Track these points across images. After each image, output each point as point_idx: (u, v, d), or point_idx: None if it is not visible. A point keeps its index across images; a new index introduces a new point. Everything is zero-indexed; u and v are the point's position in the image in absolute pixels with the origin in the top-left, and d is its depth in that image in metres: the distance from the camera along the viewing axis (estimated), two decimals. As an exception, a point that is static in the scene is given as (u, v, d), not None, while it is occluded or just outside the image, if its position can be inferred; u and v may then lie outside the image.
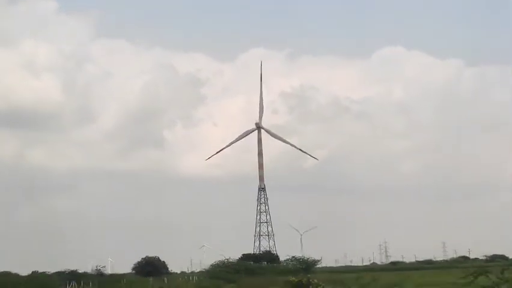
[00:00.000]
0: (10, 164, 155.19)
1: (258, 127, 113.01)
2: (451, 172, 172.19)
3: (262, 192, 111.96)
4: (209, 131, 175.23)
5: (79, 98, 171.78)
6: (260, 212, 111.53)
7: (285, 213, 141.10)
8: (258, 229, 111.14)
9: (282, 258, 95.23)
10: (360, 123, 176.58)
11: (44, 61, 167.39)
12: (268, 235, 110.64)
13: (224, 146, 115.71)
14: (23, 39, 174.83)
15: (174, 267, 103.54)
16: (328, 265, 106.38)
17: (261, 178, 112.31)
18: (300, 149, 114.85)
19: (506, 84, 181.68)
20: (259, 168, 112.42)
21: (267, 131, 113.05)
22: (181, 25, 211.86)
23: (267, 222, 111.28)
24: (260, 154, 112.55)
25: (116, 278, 67.54)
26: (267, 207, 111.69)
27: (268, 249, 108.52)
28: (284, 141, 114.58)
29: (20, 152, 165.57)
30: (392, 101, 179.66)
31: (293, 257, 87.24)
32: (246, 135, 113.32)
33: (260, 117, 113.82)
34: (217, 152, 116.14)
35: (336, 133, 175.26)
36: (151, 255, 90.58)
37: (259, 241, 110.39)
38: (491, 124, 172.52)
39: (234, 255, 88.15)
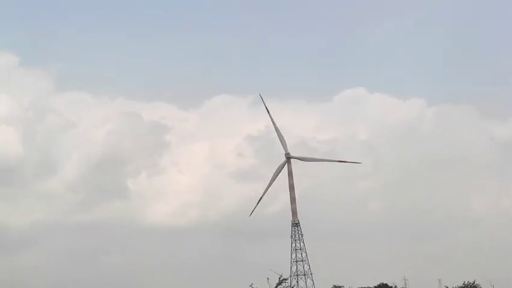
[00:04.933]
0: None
1: (288, 157, 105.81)
2: (416, 210, 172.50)
3: (296, 228, 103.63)
4: (174, 178, 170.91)
5: (40, 150, 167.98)
6: (295, 249, 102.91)
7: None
8: (294, 268, 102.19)
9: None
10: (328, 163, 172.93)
11: (3, 114, 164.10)
12: (305, 275, 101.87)
13: (262, 193, 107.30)
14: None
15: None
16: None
17: (294, 213, 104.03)
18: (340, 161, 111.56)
19: (467, 123, 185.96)
20: (291, 202, 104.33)
21: (300, 158, 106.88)
22: (143, 75, 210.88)
23: (303, 261, 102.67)
24: (292, 187, 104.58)
25: None
26: (302, 243, 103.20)
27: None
28: (320, 160, 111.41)
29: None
30: (356, 141, 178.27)
31: None
32: (281, 170, 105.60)
33: (285, 147, 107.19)
34: (258, 203, 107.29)
35: (304, 174, 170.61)
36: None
37: (297, 281, 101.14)
38: (453, 161, 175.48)
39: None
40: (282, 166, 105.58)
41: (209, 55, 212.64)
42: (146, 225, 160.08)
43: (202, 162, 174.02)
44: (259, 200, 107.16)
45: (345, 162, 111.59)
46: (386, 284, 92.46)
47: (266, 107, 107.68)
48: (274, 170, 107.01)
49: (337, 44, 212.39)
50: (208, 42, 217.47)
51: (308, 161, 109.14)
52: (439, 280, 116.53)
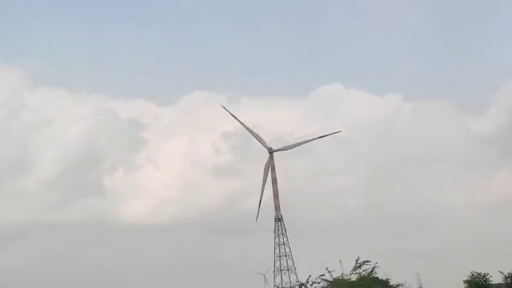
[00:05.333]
0: None
1: (271, 152, 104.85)
2: (394, 205, 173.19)
3: (280, 223, 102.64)
4: (152, 175, 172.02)
5: (15, 148, 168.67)
6: (279, 244, 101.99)
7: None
8: (277, 264, 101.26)
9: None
10: (305, 159, 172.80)
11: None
12: (288, 270, 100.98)
13: (260, 195, 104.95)
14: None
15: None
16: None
17: (277, 208, 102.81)
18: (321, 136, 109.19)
19: (444, 118, 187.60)
20: (274, 197, 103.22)
21: (282, 149, 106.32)
22: (120, 72, 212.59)
23: (286, 256, 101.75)
24: (274, 181, 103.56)
25: None
26: (285, 238, 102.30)
27: (290, 285, 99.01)
28: (301, 143, 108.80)
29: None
30: (333, 137, 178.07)
31: None
32: (269, 166, 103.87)
33: (263, 142, 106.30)
34: (259, 207, 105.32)
35: (284, 169, 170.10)
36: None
37: (281, 277, 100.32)
38: (430, 156, 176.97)
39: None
40: (269, 162, 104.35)
41: (186, 52, 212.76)
42: (124, 223, 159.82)
43: (179, 159, 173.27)
44: (260, 204, 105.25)
45: (325, 136, 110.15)
46: (377, 278, 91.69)
47: (232, 114, 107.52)
48: (253, 166, 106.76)
49: (313, 40, 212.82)
50: (185, 38, 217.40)
51: (291, 148, 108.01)
52: (418, 274, 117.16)
